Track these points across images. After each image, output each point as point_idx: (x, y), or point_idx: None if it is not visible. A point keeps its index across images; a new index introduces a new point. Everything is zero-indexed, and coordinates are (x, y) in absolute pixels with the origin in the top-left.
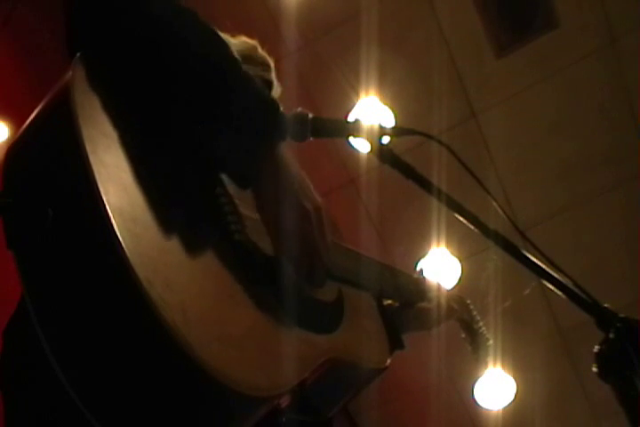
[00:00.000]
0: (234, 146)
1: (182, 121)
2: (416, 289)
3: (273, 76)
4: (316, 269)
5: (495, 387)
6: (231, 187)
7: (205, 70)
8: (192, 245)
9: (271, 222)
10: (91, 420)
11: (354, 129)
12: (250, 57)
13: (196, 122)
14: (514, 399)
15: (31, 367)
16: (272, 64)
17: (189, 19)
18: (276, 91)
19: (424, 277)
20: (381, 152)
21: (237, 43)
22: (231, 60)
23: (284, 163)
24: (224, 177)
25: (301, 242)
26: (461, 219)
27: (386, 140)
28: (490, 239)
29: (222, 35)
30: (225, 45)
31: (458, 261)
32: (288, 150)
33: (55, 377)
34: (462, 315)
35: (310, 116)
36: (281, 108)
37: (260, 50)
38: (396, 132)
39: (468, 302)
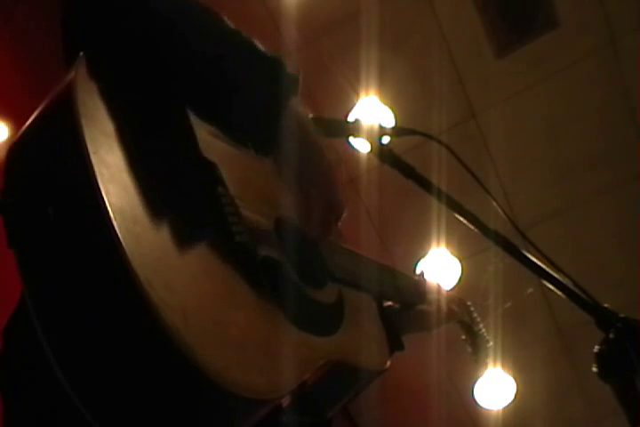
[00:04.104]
0: (248, 110)
1: (184, 116)
2: (416, 291)
3: None
4: (335, 218)
5: (495, 387)
6: (233, 187)
7: (206, 68)
8: (193, 246)
9: (295, 181)
10: (90, 421)
11: (354, 129)
12: None
13: (204, 98)
14: (514, 399)
15: (31, 367)
16: None
17: (191, 15)
18: None
19: (424, 279)
20: (381, 152)
21: None
22: (228, 32)
23: (300, 116)
24: (226, 177)
25: (327, 193)
26: (461, 219)
27: (386, 140)
28: (490, 239)
29: None
30: (220, 20)
31: (458, 261)
32: (299, 103)
33: (55, 377)
34: (463, 317)
35: (310, 116)
36: (285, 64)
37: None
38: (396, 132)
39: (469, 303)
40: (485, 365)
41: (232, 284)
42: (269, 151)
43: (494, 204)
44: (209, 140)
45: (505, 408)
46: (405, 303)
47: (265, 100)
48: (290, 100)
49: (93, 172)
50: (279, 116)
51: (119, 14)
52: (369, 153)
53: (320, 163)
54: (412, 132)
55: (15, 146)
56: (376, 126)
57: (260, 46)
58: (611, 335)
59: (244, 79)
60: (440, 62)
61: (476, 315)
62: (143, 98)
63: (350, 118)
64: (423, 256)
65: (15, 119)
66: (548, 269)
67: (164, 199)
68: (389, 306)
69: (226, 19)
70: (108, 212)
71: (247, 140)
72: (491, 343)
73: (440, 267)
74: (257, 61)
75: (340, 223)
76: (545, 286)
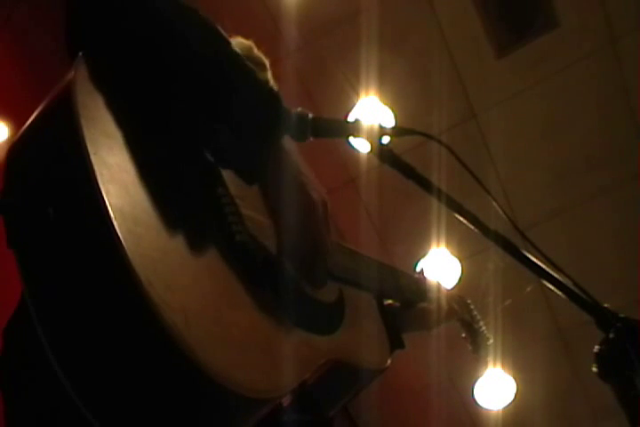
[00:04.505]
0: (237, 141)
1: (184, 119)
2: (417, 289)
3: (269, 75)
4: (318, 265)
5: (495, 387)
6: (233, 187)
7: (205, 68)
8: (193, 246)
9: (277, 215)
10: (90, 420)
11: (354, 129)
12: (246, 57)
13: (197, 119)
14: (514, 399)
15: (31, 367)
16: (268, 64)
17: (189, 16)
18: None
19: (425, 278)
20: (381, 152)
21: (234, 43)
22: (231, 56)
23: (288, 156)
24: (226, 177)
25: (306, 234)
26: (461, 219)
27: (386, 140)
28: (490, 239)
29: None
30: (225, 41)
31: (458, 261)
32: (291, 143)
33: (55, 377)
34: (463, 315)
35: (310, 116)
36: (282, 101)
37: (255, 50)
38: (396, 132)
39: (469, 301)
40: (486, 363)
41: (233, 283)
42: (251, 183)
43: (494, 204)
44: None
45: (505, 408)
46: (406, 302)
47: (255, 136)
48: (281, 137)
49: (94, 172)
50: (265, 154)
51: (119, 14)
52: (369, 153)
53: (303, 204)
54: (412, 132)
55: (15, 146)
56: (376, 126)
57: (261, 77)
58: (611, 335)
59: (239, 110)
60: (440, 62)
61: (476, 313)
62: (143, 98)
63: (350, 118)
64: (423, 256)
65: (15, 119)
66: (547, 269)
67: (164, 200)
68: (390, 304)
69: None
70: (108, 212)
71: (230, 168)
72: (491, 341)
73: (440, 267)
74: (256, 95)
75: (338, 224)
76: (545, 286)
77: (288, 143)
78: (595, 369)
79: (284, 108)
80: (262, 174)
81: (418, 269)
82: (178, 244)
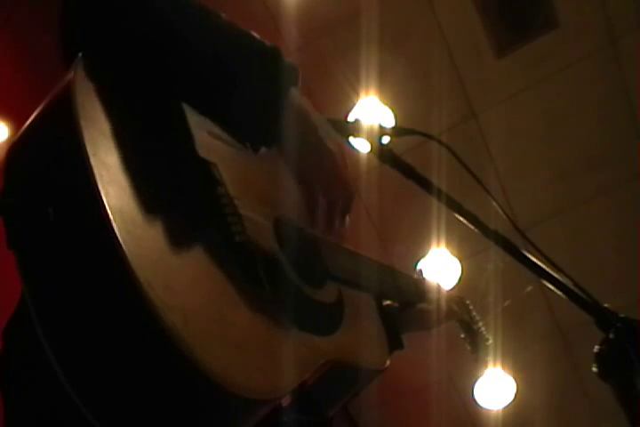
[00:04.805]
0: (249, 103)
1: (183, 119)
2: (416, 290)
3: None
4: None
5: (495, 387)
6: (232, 187)
7: (205, 68)
8: (193, 247)
9: (298, 164)
10: (91, 420)
11: (354, 129)
12: None
13: (202, 97)
14: (514, 399)
15: (31, 367)
16: None
17: (189, 13)
18: None
19: (424, 278)
20: (381, 152)
21: None
22: (231, 45)
23: (301, 107)
24: (225, 177)
25: (334, 180)
26: (461, 219)
27: (386, 140)
28: (490, 239)
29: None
30: (224, 32)
31: (458, 261)
32: (298, 95)
33: (55, 377)
34: (462, 316)
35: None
36: (282, 55)
37: None
38: (396, 132)
39: (468, 302)
40: (485, 363)
41: (232, 284)
42: (270, 143)
43: (494, 204)
44: (208, 141)
45: (505, 408)
46: (405, 302)
47: (265, 91)
48: (290, 90)
49: (93, 174)
50: (279, 107)
51: (118, 14)
52: (369, 153)
53: (321, 154)
54: (412, 132)
55: (15, 146)
56: (376, 126)
57: (258, 37)
58: (611, 335)
59: (244, 73)
60: (440, 62)
61: (475, 313)
62: (142, 99)
63: (350, 118)
64: (423, 256)
65: (15, 119)
66: (547, 269)
67: (163, 200)
68: (389, 305)
69: (222, 14)
70: (107, 213)
71: (246, 133)
72: (490, 341)
73: (440, 267)
74: (255, 53)
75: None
76: (545, 286)
77: (295, 95)
78: (595, 369)
79: (285, 61)
80: (278, 132)
81: (417, 270)
82: (177, 245)
